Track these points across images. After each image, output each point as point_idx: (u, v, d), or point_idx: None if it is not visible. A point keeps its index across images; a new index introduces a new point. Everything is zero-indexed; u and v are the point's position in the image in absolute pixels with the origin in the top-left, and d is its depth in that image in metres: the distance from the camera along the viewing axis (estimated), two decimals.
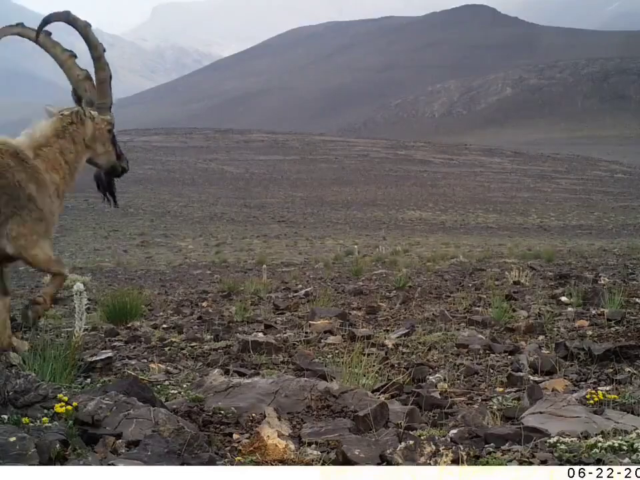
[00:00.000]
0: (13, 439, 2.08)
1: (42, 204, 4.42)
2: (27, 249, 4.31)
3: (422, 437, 2.33)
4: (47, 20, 4.65)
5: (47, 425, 2.33)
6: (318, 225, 35.50)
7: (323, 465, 2.21)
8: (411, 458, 2.17)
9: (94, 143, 4.84)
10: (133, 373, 3.64)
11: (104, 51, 4.69)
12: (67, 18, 4.67)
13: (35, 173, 4.42)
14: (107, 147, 4.94)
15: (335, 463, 2.22)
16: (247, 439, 2.52)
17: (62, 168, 4.69)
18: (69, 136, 4.68)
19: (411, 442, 2.21)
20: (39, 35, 4.63)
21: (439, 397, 3.16)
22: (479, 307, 6.47)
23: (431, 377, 3.58)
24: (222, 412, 2.85)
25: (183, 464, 2.11)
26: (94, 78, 4.70)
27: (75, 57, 4.71)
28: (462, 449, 2.20)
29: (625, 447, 2.20)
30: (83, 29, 4.66)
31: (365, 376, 3.35)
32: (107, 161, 4.98)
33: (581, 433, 2.40)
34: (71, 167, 4.75)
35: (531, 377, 3.53)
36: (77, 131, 4.72)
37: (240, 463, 2.25)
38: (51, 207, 4.51)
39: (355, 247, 21.00)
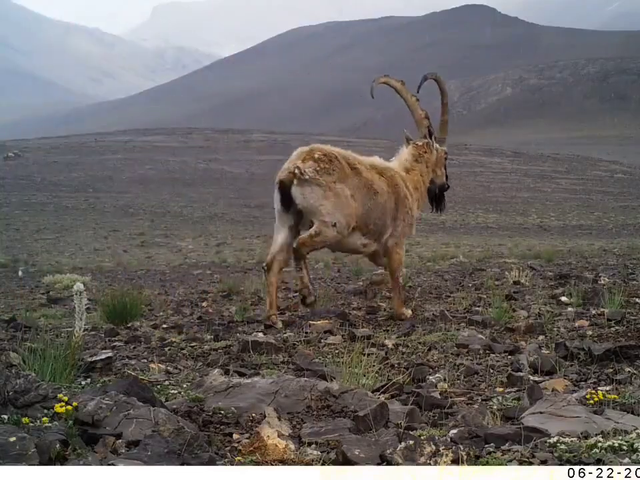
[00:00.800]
0: (13, 438, 2.08)
1: (414, 213, 5.92)
2: (397, 245, 5.82)
3: (422, 437, 2.33)
4: (425, 78, 6.33)
5: (47, 424, 2.34)
6: None
7: (323, 465, 2.21)
8: (411, 458, 2.17)
9: (436, 167, 6.24)
10: (133, 373, 3.64)
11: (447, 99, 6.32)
12: (434, 77, 6.40)
13: (409, 189, 5.87)
14: (442, 171, 6.31)
15: (335, 463, 2.22)
16: (247, 439, 2.52)
17: (420, 187, 6.11)
18: (424, 161, 6.11)
19: (411, 442, 2.21)
20: (402, 84, 6.20)
21: (439, 397, 3.16)
22: (479, 307, 6.46)
23: (431, 377, 3.58)
24: (222, 412, 2.85)
25: (183, 464, 2.11)
26: (419, 116, 6.21)
27: (418, 100, 6.16)
28: (462, 448, 2.20)
29: (624, 447, 2.20)
30: (443, 84, 6.43)
31: (365, 376, 3.35)
32: (441, 181, 6.30)
33: (581, 433, 2.40)
34: (425, 186, 6.16)
35: (531, 377, 3.53)
36: (428, 158, 6.14)
37: (240, 463, 2.25)
38: (416, 216, 5.98)
39: None
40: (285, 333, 5.16)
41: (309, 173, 5.24)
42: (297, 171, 5.27)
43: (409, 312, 5.82)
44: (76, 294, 3.49)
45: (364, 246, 5.73)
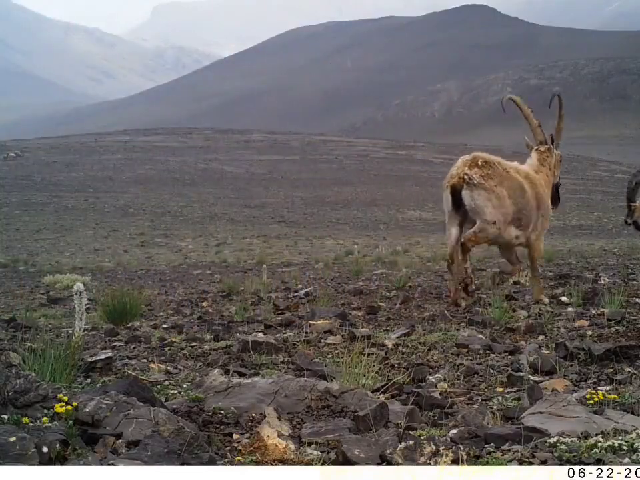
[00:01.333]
0: (13, 438, 2.08)
1: (549, 209, 6.80)
2: (537, 239, 6.71)
3: (422, 437, 2.33)
4: (553, 95, 7.26)
5: (47, 424, 2.33)
6: (318, 225, 35.49)
7: (323, 465, 2.21)
8: (411, 458, 2.17)
9: (555, 168, 7.09)
10: (133, 373, 3.64)
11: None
12: (558, 93, 7.29)
13: (543, 188, 6.73)
14: (559, 172, 7.21)
15: (335, 463, 2.22)
16: (247, 439, 2.52)
17: (548, 186, 6.90)
18: (547, 165, 6.97)
19: (411, 442, 2.21)
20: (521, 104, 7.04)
21: (439, 397, 3.16)
22: (479, 307, 6.47)
23: (430, 377, 3.58)
24: (222, 412, 2.85)
25: (183, 464, 2.11)
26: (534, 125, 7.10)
27: (533, 111, 7.03)
28: (462, 448, 2.20)
29: (625, 447, 2.20)
30: (562, 99, 7.18)
31: (365, 376, 3.35)
32: (557, 180, 7.17)
33: (581, 433, 2.40)
34: (551, 185, 6.98)
35: (531, 377, 3.52)
36: (550, 161, 6.99)
37: (240, 463, 2.25)
38: (550, 212, 6.87)
39: (355, 247, 20.99)
40: (285, 333, 5.16)
41: (476, 178, 6.09)
42: (465, 176, 6.11)
43: (547, 299, 6.58)
44: (76, 294, 3.48)
45: (517, 237, 6.55)
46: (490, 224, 6.14)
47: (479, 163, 6.23)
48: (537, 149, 7.03)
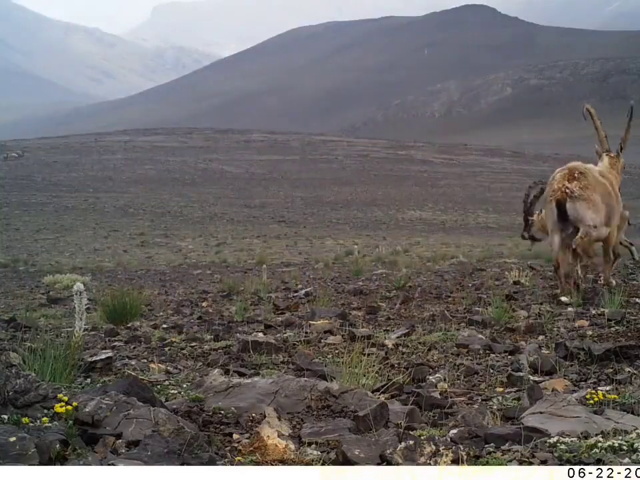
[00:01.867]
0: (13, 438, 2.08)
1: (621, 205, 7.46)
2: (614, 232, 7.35)
3: (422, 437, 2.33)
4: (631, 107, 8.11)
5: (47, 424, 2.33)
6: (318, 225, 35.48)
7: (323, 465, 2.21)
8: (411, 458, 2.17)
9: (621, 173, 7.81)
10: (133, 373, 3.64)
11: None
12: (632, 105, 8.14)
13: (616, 187, 7.39)
14: (622, 175, 7.88)
15: (335, 463, 2.22)
16: (247, 439, 2.52)
17: (617, 188, 7.54)
18: (616, 169, 7.69)
19: (411, 442, 2.21)
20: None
21: (439, 397, 3.16)
22: (479, 307, 6.46)
23: (430, 377, 3.58)
24: (222, 412, 2.85)
25: (183, 464, 2.11)
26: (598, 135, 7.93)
27: (602, 122, 7.90)
28: (462, 448, 2.20)
29: (625, 447, 2.20)
30: (629, 119, 8.02)
31: (365, 376, 3.35)
32: (620, 184, 7.70)
33: (581, 433, 2.40)
34: (618, 187, 7.54)
35: (531, 377, 3.52)
36: (618, 166, 7.74)
37: (240, 463, 2.25)
38: (621, 209, 7.53)
39: (355, 247, 20.98)
40: (285, 333, 5.16)
41: (577, 191, 6.71)
42: (567, 190, 6.74)
43: (614, 282, 7.43)
44: (76, 294, 3.48)
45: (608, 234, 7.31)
46: (591, 228, 6.82)
47: (576, 175, 6.85)
48: (607, 154, 7.79)
